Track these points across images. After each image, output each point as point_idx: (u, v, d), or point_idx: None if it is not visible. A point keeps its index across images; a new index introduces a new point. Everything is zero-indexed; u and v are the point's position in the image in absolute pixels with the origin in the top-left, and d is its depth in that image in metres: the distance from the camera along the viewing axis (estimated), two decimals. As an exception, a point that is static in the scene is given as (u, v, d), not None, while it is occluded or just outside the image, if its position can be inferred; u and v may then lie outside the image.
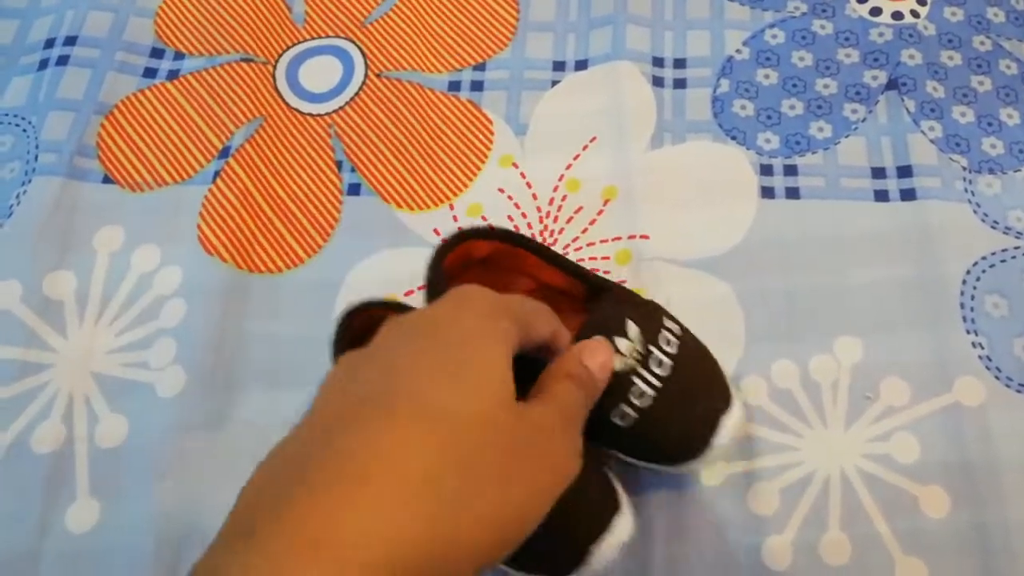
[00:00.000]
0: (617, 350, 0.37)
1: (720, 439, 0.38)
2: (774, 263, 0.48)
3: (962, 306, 0.46)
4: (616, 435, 0.38)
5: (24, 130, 0.53)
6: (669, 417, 0.38)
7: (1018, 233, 0.48)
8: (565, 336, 0.35)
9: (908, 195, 0.50)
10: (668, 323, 0.40)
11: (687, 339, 0.40)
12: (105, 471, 0.44)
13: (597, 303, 0.40)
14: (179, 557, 0.41)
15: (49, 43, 0.56)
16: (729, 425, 0.38)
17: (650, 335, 0.39)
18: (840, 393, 0.45)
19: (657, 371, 0.38)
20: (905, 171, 0.50)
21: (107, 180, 0.52)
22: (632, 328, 0.38)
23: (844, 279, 0.47)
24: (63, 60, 0.55)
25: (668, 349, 0.39)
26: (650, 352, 0.38)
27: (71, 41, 0.56)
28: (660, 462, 0.39)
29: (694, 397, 0.38)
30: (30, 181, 0.51)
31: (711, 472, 0.43)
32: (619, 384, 0.37)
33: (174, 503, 0.43)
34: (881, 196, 0.50)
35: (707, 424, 0.38)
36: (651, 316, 0.40)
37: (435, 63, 0.56)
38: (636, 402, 0.37)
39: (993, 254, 0.48)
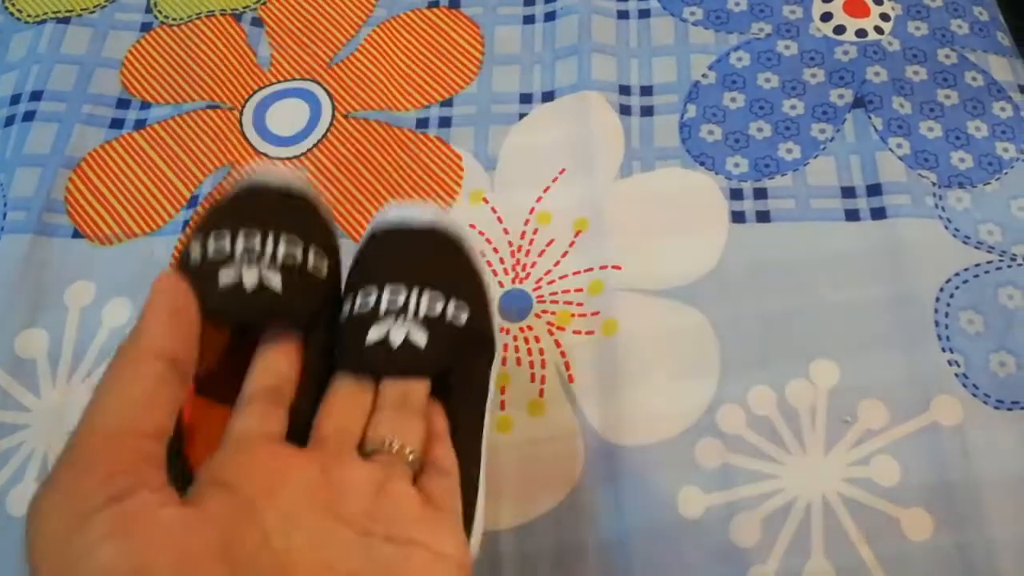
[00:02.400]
0: None
1: None
2: (747, 288, 0.48)
3: (936, 323, 0.46)
4: None
5: (-7, 188, 0.53)
6: None
7: (990, 247, 0.48)
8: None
9: (879, 214, 0.50)
10: None
11: None
12: (82, 531, 0.43)
13: None
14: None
15: (15, 99, 0.56)
16: None
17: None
18: (818, 418, 0.44)
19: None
20: (875, 189, 0.50)
21: (77, 235, 0.51)
22: None
23: (817, 301, 0.47)
24: (29, 115, 0.55)
25: None
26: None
27: (37, 96, 0.56)
28: None
29: None
30: (-1, 240, 0.51)
31: (691, 504, 0.42)
32: None
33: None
34: (852, 216, 0.50)
35: None
36: None
37: (402, 101, 0.56)
38: None
39: (966, 270, 0.47)
